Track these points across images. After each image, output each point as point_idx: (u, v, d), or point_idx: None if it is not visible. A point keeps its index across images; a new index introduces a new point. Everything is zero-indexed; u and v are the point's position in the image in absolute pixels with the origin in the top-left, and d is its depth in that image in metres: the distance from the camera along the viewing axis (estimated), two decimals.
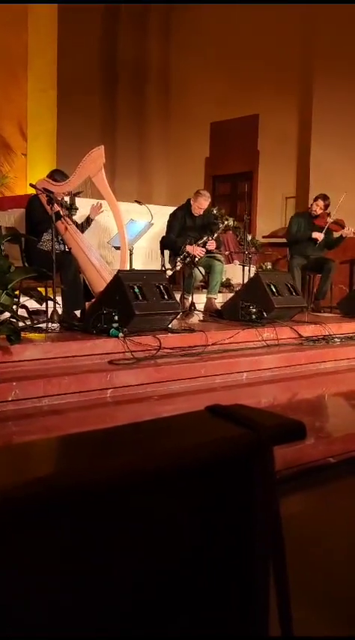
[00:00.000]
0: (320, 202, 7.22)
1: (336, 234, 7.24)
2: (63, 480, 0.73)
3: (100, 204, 5.78)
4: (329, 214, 7.23)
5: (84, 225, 5.69)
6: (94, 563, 0.82)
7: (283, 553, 1.02)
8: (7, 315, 3.90)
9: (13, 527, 0.72)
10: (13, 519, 0.72)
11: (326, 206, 7.24)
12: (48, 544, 0.77)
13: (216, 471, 0.90)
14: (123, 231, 5.56)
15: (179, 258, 6.23)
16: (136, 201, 6.75)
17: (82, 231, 5.60)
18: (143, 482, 0.82)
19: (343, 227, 7.16)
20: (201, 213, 6.55)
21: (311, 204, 7.37)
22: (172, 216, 6.61)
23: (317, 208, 7.22)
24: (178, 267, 6.30)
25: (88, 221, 5.74)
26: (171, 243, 6.45)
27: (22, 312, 4.28)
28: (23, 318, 4.19)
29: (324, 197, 7.26)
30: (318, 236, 7.08)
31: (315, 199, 7.32)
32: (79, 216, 5.57)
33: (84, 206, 5.79)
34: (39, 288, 4.94)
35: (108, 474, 0.77)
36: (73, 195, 5.28)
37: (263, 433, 0.89)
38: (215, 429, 0.91)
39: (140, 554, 0.87)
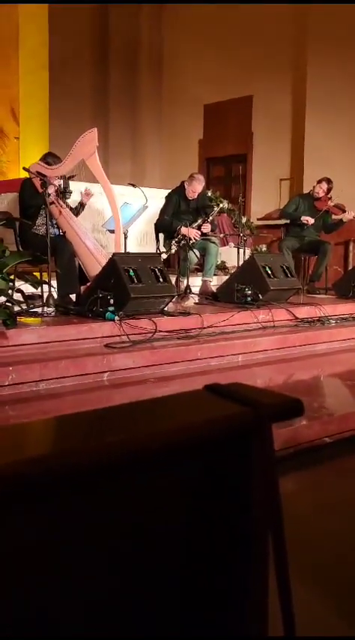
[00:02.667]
0: (324, 185, 7.21)
1: (336, 218, 7.24)
2: (56, 460, 0.73)
3: (87, 189, 5.72)
4: (330, 198, 7.22)
5: (78, 209, 5.65)
6: (86, 547, 0.82)
7: (282, 530, 1.03)
8: (2, 299, 3.89)
9: (4, 507, 0.72)
10: (4, 499, 0.72)
11: (329, 189, 7.23)
12: (38, 526, 0.77)
13: (215, 449, 0.91)
14: (118, 215, 5.54)
15: (174, 241, 6.23)
16: (130, 184, 6.72)
17: (76, 216, 5.57)
18: (140, 461, 0.83)
19: (344, 211, 7.15)
20: (196, 197, 6.53)
21: (314, 186, 7.35)
22: (167, 199, 6.59)
23: (320, 191, 7.21)
24: (173, 250, 6.29)
25: (82, 206, 5.69)
26: (165, 226, 6.43)
27: (17, 296, 4.27)
28: (19, 303, 4.18)
29: (328, 180, 7.25)
30: (308, 219, 7.07)
31: (319, 182, 7.30)
32: (71, 201, 5.54)
33: (77, 190, 5.76)
34: (34, 273, 4.93)
35: (106, 453, 0.77)
36: (67, 179, 5.25)
37: (261, 410, 0.89)
38: (213, 407, 0.91)
39: (134, 538, 0.87)
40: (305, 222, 7.07)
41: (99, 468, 0.78)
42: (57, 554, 0.79)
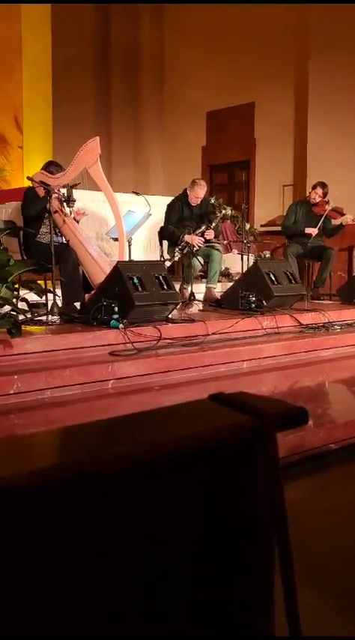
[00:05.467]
0: (319, 190, 7.20)
1: (335, 222, 7.23)
2: (66, 470, 0.74)
3: (83, 210, 5.75)
4: (328, 202, 7.21)
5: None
6: (95, 554, 0.83)
7: (287, 537, 1.03)
8: (7, 308, 3.90)
9: (16, 517, 0.73)
10: (15, 509, 0.72)
11: (325, 194, 7.22)
12: (49, 534, 0.77)
13: (219, 459, 0.91)
14: (121, 223, 5.56)
15: (178, 248, 6.23)
16: (133, 192, 6.74)
17: None
18: (146, 470, 0.83)
19: (342, 214, 7.15)
20: (199, 202, 6.54)
21: (310, 192, 7.35)
22: (170, 206, 6.60)
23: (316, 196, 7.21)
24: (177, 258, 6.30)
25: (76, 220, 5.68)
26: (169, 233, 6.44)
27: (22, 305, 4.28)
28: (23, 311, 4.19)
29: (322, 185, 7.24)
30: (311, 231, 7.06)
31: (313, 187, 7.30)
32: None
33: (81, 198, 5.77)
34: (38, 281, 4.94)
35: (112, 463, 0.78)
36: (71, 187, 5.27)
37: (266, 419, 0.90)
38: (218, 416, 0.91)
39: (142, 545, 0.88)
40: (310, 234, 7.06)
41: (109, 477, 0.78)
42: (69, 561, 0.79)
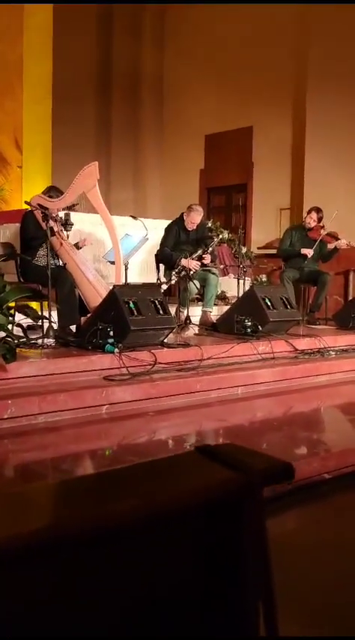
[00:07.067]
0: (314, 215, 7.24)
1: (330, 246, 7.27)
2: (56, 531, 0.75)
3: (85, 239, 5.80)
4: (322, 227, 7.25)
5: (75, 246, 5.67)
6: (90, 605, 0.84)
7: (272, 588, 1.05)
8: (2, 334, 3.91)
9: (17, 574, 0.74)
10: (16, 567, 0.73)
11: (320, 218, 7.26)
12: (46, 588, 0.79)
13: (206, 514, 0.92)
14: (118, 247, 5.58)
15: (174, 272, 6.25)
16: (131, 216, 6.78)
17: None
18: (136, 527, 0.84)
19: (337, 239, 7.19)
20: (195, 227, 6.58)
21: (305, 217, 7.40)
22: (167, 230, 6.64)
23: (311, 221, 7.25)
24: (173, 281, 6.32)
25: (78, 247, 5.70)
26: (166, 257, 6.47)
27: (17, 330, 4.29)
28: (19, 337, 4.20)
29: (317, 210, 7.29)
30: (307, 252, 7.10)
31: (308, 212, 7.35)
32: (70, 234, 5.58)
33: (79, 220, 5.81)
34: (33, 303, 4.95)
35: (102, 522, 0.79)
36: (69, 209, 5.30)
37: (253, 476, 0.91)
38: (205, 472, 0.92)
39: (134, 595, 0.89)
40: (305, 254, 7.11)
41: (101, 533, 0.80)
42: (73, 614, 0.80)
